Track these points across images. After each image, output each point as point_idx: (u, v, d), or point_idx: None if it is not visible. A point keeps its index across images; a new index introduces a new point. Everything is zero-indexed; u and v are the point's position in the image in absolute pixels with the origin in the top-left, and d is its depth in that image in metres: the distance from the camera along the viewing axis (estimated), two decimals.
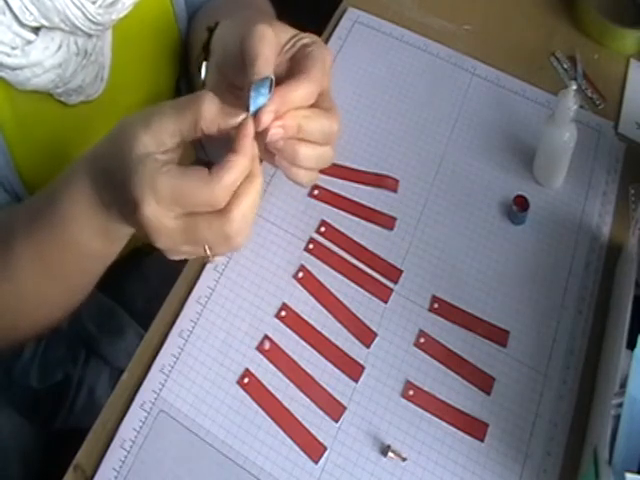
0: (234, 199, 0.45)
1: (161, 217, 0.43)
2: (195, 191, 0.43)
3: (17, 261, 0.53)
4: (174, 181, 0.43)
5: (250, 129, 0.45)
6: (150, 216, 0.43)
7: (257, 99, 0.47)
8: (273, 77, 0.47)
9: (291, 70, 0.51)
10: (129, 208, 0.44)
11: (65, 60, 0.54)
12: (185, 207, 0.44)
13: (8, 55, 0.50)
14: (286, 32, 0.52)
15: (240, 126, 0.45)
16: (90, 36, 0.55)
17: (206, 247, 0.46)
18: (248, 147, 0.45)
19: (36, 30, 0.52)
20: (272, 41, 0.49)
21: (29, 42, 0.51)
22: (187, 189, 0.43)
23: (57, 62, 0.53)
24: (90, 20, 0.52)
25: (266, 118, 0.46)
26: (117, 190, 0.46)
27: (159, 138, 0.45)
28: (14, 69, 0.51)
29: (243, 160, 0.44)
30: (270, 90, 0.47)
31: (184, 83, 0.74)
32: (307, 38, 0.52)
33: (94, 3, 0.53)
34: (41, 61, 0.52)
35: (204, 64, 0.56)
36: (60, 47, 0.53)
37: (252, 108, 0.47)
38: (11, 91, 0.54)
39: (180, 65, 0.71)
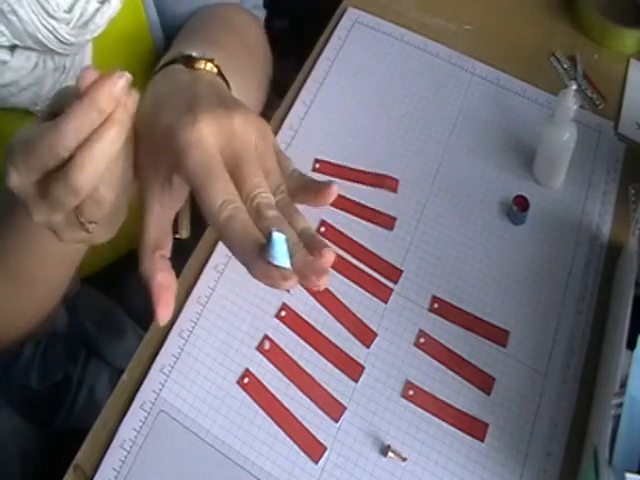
0: (79, 146, 0.39)
1: (21, 185, 0.41)
2: (38, 141, 0.39)
3: None
4: (23, 141, 0.40)
5: (102, 85, 0.40)
6: (14, 188, 0.41)
7: (275, 254, 0.38)
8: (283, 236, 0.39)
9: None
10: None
11: (42, 77, 0.54)
12: (34, 163, 0.40)
13: None
14: (160, 158, 0.44)
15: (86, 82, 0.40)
16: (66, 55, 0.55)
17: (73, 211, 0.42)
18: (95, 96, 0.39)
19: (12, 49, 0.51)
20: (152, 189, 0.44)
21: (4, 62, 0.51)
22: (33, 143, 0.40)
23: (34, 80, 0.53)
24: (62, 42, 0.52)
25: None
26: None
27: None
28: None
29: (85, 107, 0.39)
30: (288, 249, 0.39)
31: None
32: (176, 142, 0.42)
33: (67, 24, 0.52)
34: (17, 80, 0.52)
35: None
36: (36, 65, 0.53)
37: (278, 262, 0.39)
38: None
39: None
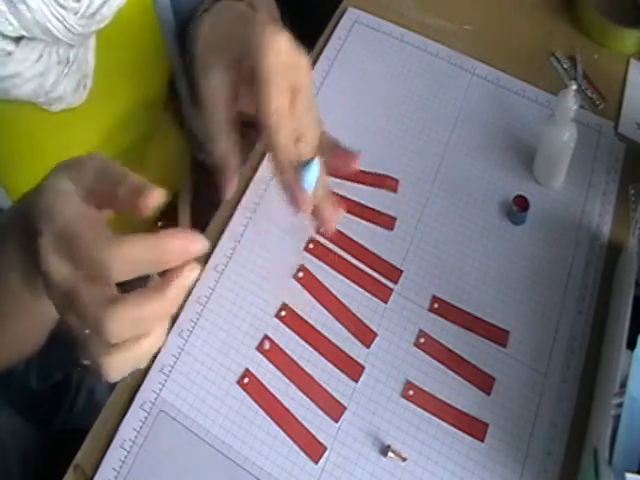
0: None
1: (52, 258, 0.37)
2: (89, 245, 0.37)
3: None
4: (74, 221, 0.37)
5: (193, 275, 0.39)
6: (43, 247, 0.37)
7: (307, 178, 0.46)
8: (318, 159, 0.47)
9: (253, 87, 0.47)
10: (27, 239, 0.39)
11: (46, 69, 0.53)
12: (75, 257, 0.37)
13: None
14: (231, 50, 0.49)
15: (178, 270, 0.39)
16: (72, 46, 0.55)
17: (85, 332, 0.38)
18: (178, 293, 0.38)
19: (17, 40, 0.51)
20: (220, 103, 0.47)
21: (8, 53, 0.51)
22: (84, 240, 0.37)
23: (37, 72, 0.53)
24: (70, 31, 0.52)
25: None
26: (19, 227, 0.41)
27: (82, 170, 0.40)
28: None
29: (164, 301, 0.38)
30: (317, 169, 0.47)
31: (183, 87, 0.74)
32: (251, 44, 0.47)
33: (75, 14, 0.52)
34: (20, 72, 0.52)
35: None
36: (41, 57, 0.53)
37: (305, 186, 0.46)
38: None
39: (166, 72, 0.71)
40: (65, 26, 0.51)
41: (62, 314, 0.39)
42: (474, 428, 0.56)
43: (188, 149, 0.85)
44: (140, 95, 0.67)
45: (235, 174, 0.48)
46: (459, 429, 0.56)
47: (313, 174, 0.46)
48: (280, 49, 0.47)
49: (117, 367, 0.37)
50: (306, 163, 0.46)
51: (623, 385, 0.48)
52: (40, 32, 0.51)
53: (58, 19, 0.50)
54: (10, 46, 0.51)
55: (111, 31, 0.57)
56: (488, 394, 0.58)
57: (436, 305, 0.61)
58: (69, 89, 0.57)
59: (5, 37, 0.50)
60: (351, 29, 0.77)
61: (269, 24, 0.48)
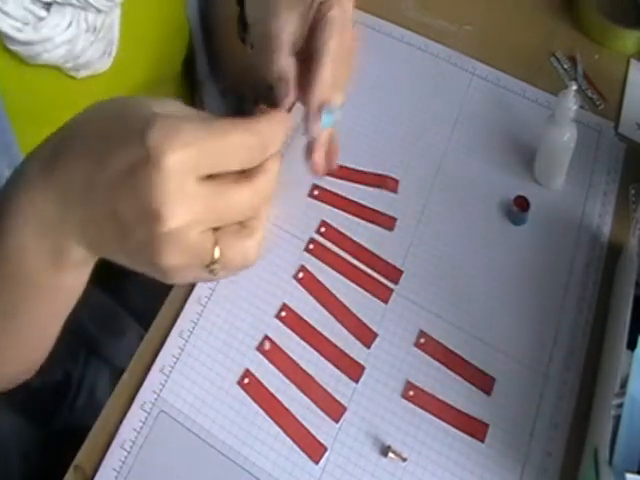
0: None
1: (190, 231, 0.35)
2: (236, 198, 0.36)
3: None
4: (212, 190, 0.35)
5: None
6: (175, 231, 0.34)
7: (326, 120, 0.49)
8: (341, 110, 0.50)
9: (311, 37, 0.51)
10: (128, 213, 0.35)
11: (75, 36, 0.55)
12: (220, 216, 0.37)
13: (20, 30, 0.51)
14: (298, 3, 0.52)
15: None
16: (100, 12, 0.56)
17: (217, 267, 0.38)
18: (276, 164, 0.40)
19: (47, 6, 0.53)
20: (288, 30, 0.50)
21: (41, 18, 0.52)
22: (228, 196, 0.36)
23: (67, 38, 0.55)
24: None
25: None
26: (103, 173, 0.36)
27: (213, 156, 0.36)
28: (25, 44, 0.52)
29: (277, 159, 0.39)
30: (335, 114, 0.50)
31: (202, 63, 0.75)
32: None
33: None
34: (52, 37, 0.53)
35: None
36: (70, 24, 0.54)
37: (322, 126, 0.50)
38: (19, 63, 0.55)
39: (187, 46, 0.72)
40: None
41: (180, 272, 0.37)
42: (474, 428, 0.56)
43: None
44: (160, 67, 0.69)
45: (292, 89, 0.49)
46: (459, 429, 0.56)
47: (331, 120, 0.49)
48: (346, 8, 0.51)
49: (259, 248, 0.39)
50: (327, 109, 0.49)
51: (623, 385, 0.48)
52: None
53: None
54: (42, 12, 0.52)
55: (137, 2, 0.59)
56: (488, 394, 0.58)
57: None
58: (96, 56, 0.59)
59: (36, 2, 0.52)
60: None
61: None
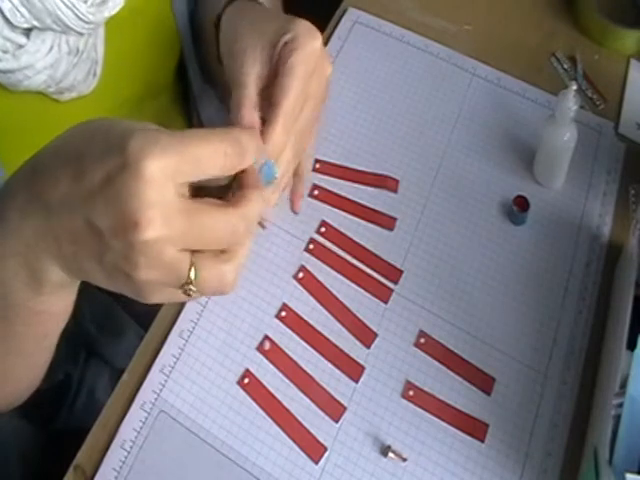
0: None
1: (165, 247, 0.35)
2: (215, 224, 0.36)
3: None
4: (192, 210, 0.36)
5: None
6: (152, 241, 0.34)
7: (267, 173, 0.46)
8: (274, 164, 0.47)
9: (277, 75, 0.49)
10: (107, 223, 0.35)
11: (56, 61, 0.54)
12: (198, 239, 0.36)
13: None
14: (266, 38, 0.50)
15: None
16: (82, 34, 0.55)
17: (192, 288, 0.38)
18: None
19: (27, 32, 0.52)
20: (249, 78, 0.49)
21: (20, 46, 0.51)
22: (205, 220, 0.36)
23: (49, 63, 0.53)
24: (81, 19, 0.52)
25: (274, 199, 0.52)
26: (76, 188, 0.36)
27: (189, 164, 0.36)
28: (5, 73, 0.51)
29: (261, 195, 0.40)
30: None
31: (193, 73, 0.74)
32: (289, 33, 0.49)
33: (85, 2, 0.53)
34: (32, 64, 0.52)
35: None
36: (51, 48, 0.53)
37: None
38: (1, 91, 0.54)
39: (178, 56, 0.71)
40: (76, 14, 0.52)
41: (154, 292, 0.37)
42: (474, 428, 0.56)
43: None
44: (150, 80, 0.68)
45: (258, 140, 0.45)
46: (459, 429, 0.56)
47: (272, 174, 0.46)
48: (316, 46, 0.48)
49: (237, 275, 0.39)
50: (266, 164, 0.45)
51: (623, 385, 0.48)
52: (51, 21, 0.51)
53: (68, 7, 0.51)
54: (21, 39, 0.51)
55: (122, 16, 0.58)
56: (488, 394, 0.58)
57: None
58: (79, 78, 0.57)
59: (16, 29, 0.51)
60: (351, 29, 0.77)
61: (304, 20, 0.50)
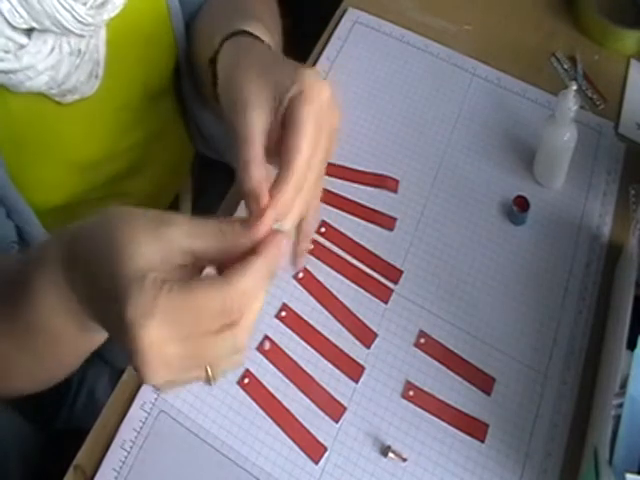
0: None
1: (162, 345, 0.36)
2: (208, 302, 0.37)
3: None
4: (179, 299, 0.36)
5: (279, 237, 0.41)
6: (148, 346, 0.36)
7: None
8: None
9: (284, 133, 0.47)
10: (115, 326, 0.37)
11: (58, 61, 0.54)
12: (194, 325, 0.37)
13: (1, 60, 0.50)
14: (272, 88, 0.47)
15: (264, 228, 0.40)
16: (82, 36, 0.55)
17: (208, 369, 0.39)
18: (271, 251, 0.40)
19: (29, 32, 0.52)
20: (256, 138, 0.46)
21: (22, 46, 0.51)
22: (197, 303, 0.36)
23: (50, 64, 0.53)
24: (80, 22, 0.52)
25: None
26: (99, 300, 0.40)
27: (167, 253, 0.38)
28: (7, 73, 0.51)
29: (265, 264, 0.39)
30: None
31: (188, 83, 0.74)
32: (296, 84, 0.46)
33: (84, 4, 0.52)
34: (34, 64, 0.52)
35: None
36: (53, 49, 0.53)
37: None
38: (4, 92, 0.54)
39: (175, 62, 0.71)
40: (74, 17, 0.51)
41: (169, 384, 0.39)
42: (474, 428, 0.56)
43: (190, 148, 0.85)
44: (150, 83, 0.68)
45: (264, 203, 0.44)
46: (459, 429, 0.56)
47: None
48: (324, 99, 0.47)
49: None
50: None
51: (623, 385, 0.48)
52: (50, 23, 0.51)
53: (67, 9, 0.51)
54: (23, 39, 0.51)
55: (121, 19, 0.58)
56: (488, 394, 0.58)
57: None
58: (82, 79, 0.57)
59: (16, 29, 0.51)
60: (351, 29, 0.77)
61: (311, 69, 0.48)
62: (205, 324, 0.37)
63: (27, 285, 0.44)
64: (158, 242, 0.38)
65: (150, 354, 0.36)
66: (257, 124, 0.46)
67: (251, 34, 0.54)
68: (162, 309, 0.36)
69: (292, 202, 0.45)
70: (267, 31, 0.57)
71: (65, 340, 0.46)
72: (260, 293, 0.40)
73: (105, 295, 0.38)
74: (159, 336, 0.36)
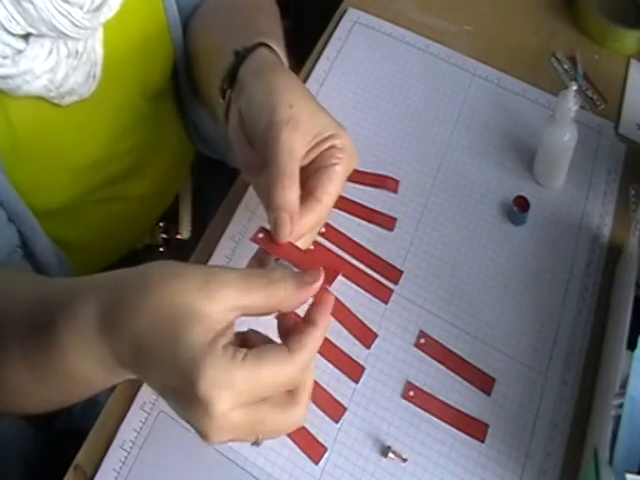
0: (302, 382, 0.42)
1: (231, 413, 0.38)
2: (277, 375, 0.39)
3: (4, 359, 0.47)
4: (253, 372, 0.38)
5: (331, 300, 0.42)
6: (219, 416, 0.37)
7: None
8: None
9: (314, 170, 0.49)
10: (178, 394, 0.38)
11: (56, 64, 0.54)
12: (260, 395, 0.39)
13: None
14: (314, 127, 0.50)
15: (320, 296, 0.42)
16: (79, 39, 0.55)
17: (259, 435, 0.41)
18: (327, 318, 0.42)
19: (26, 37, 0.52)
20: (298, 156, 0.48)
21: (19, 51, 0.51)
22: (267, 375, 0.38)
23: (48, 67, 0.53)
24: (77, 26, 0.52)
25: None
26: (154, 368, 0.39)
27: (224, 315, 0.39)
28: (5, 78, 0.51)
29: (322, 333, 0.41)
30: None
31: (185, 84, 0.74)
32: (339, 139, 0.50)
33: (81, 8, 0.52)
34: (32, 68, 0.52)
35: (228, 93, 0.55)
36: (50, 52, 0.53)
37: None
38: (2, 96, 0.53)
39: (173, 62, 0.71)
40: (71, 21, 0.52)
41: (225, 441, 0.40)
42: (474, 429, 0.56)
43: (190, 148, 0.85)
44: (148, 84, 0.68)
45: (295, 224, 0.47)
46: (459, 430, 0.56)
47: None
48: (355, 162, 0.52)
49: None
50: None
51: (623, 385, 0.48)
52: (46, 29, 0.51)
53: (63, 15, 0.51)
54: (20, 44, 0.51)
55: (117, 20, 0.58)
56: (488, 394, 0.57)
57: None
58: (80, 80, 0.57)
59: (14, 35, 0.51)
60: (351, 30, 0.77)
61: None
62: (269, 394, 0.39)
63: (53, 335, 0.43)
64: (214, 303, 0.38)
65: (220, 422, 0.37)
66: (297, 155, 0.48)
67: (272, 49, 0.56)
68: (236, 382, 0.37)
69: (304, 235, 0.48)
70: (281, 45, 0.59)
71: (93, 383, 0.47)
72: (313, 363, 0.42)
73: (166, 364, 0.38)
74: (230, 406, 0.37)
